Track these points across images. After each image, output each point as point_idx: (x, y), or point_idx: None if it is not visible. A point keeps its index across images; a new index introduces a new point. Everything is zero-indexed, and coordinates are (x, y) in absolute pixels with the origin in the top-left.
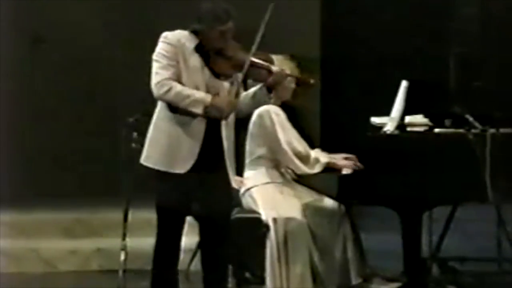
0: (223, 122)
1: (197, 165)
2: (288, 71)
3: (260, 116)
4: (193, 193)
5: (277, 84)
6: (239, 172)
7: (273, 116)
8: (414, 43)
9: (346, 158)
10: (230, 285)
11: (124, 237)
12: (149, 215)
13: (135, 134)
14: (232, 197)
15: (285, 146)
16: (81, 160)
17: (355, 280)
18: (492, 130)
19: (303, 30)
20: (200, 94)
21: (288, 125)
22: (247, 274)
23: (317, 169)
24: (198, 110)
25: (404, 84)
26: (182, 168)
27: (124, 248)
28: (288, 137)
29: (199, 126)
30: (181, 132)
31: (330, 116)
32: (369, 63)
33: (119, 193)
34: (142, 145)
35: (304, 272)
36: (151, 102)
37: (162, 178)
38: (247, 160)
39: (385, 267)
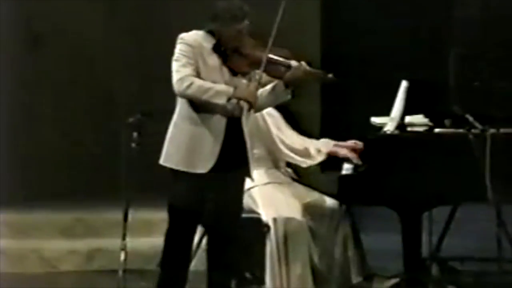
0: (244, 119)
1: (218, 164)
2: (307, 67)
3: (255, 118)
4: (211, 194)
5: (296, 80)
6: None
7: (266, 117)
8: (414, 43)
9: (354, 145)
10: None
11: (124, 237)
12: (149, 215)
13: (135, 134)
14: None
15: (280, 145)
16: (81, 160)
17: (355, 279)
18: (492, 130)
19: (303, 30)
20: (221, 86)
21: (283, 124)
22: (247, 274)
23: (319, 159)
24: (222, 100)
25: (404, 84)
26: (203, 167)
27: (124, 248)
28: (283, 136)
29: (220, 125)
30: (202, 131)
31: (330, 116)
32: (369, 63)
33: (119, 193)
34: (138, 145)
35: (304, 272)
36: (151, 102)
37: (182, 179)
38: None
39: (385, 267)
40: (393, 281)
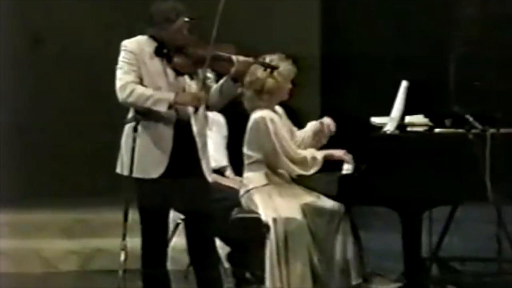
0: (193, 119)
1: (171, 167)
2: (250, 59)
3: (255, 123)
4: (171, 195)
5: (242, 73)
6: (239, 172)
7: (268, 123)
8: (414, 43)
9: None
10: (230, 285)
11: (124, 237)
12: None
13: (135, 134)
14: (212, 195)
15: (279, 152)
16: (81, 160)
17: (355, 280)
18: (492, 130)
19: (303, 30)
20: (162, 93)
21: (283, 131)
22: (247, 274)
23: (314, 168)
24: (163, 108)
25: (404, 84)
26: (155, 173)
27: (124, 248)
28: (282, 143)
29: (167, 130)
30: (150, 138)
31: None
32: (369, 63)
33: (119, 193)
34: None
35: (304, 272)
36: None
37: (139, 184)
38: (245, 162)
39: (385, 267)
40: (394, 286)
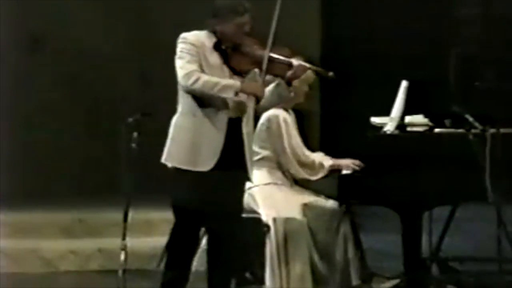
0: (244, 119)
1: (220, 163)
2: (307, 65)
3: (268, 120)
4: (212, 193)
5: (297, 78)
6: None
7: (281, 122)
8: (414, 43)
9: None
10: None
11: (124, 237)
12: (149, 215)
13: (135, 134)
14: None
15: (289, 152)
16: (81, 160)
17: (355, 281)
18: (492, 130)
19: (303, 30)
20: (229, 80)
21: (294, 131)
22: (247, 274)
23: (320, 175)
24: (230, 94)
25: (404, 84)
26: (205, 166)
27: (124, 248)
28: (293, 144)
29: (222, 123)
30: (205, 129)
31: (330, 116)
32: (369, 63)
33: (119, 193)
34: (138, 145)
35: (304, 272)
36: (150, 103)
37: (183, 177)
38: None
39: (385, 267)
40: (393, 282)
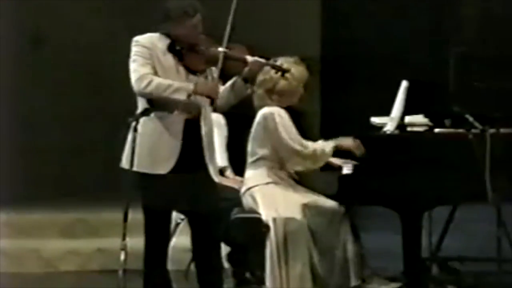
0: (202, 119)
1: (178, 165)
2: (263, 61)
3: (264, 118)
4: (177, 193)
5: (254, 74)
6: (241, 172)
7: (277, 118)
8: (414, 43)
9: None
10: (230, 285)
11: (124, 237)
12: None
13: (135, 134)
14: (219, 195)
15: (288, 144)
16: (81, 160)
17: (354, 281)
18: (492, 130)
19: (303, 30)
20: (181, 83)
21: (291, 126)
22: (247, 274)
23: (323, 162)
24: (182, 96)
25: (404, 84)
26: (164, 168)
27: (124, 248)
28: (291, 136)
29: (178, 125)
30: (161, 132)
31: (330, 116)
32: (369, 63)
33: (119, 193)
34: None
35: (304, 272)
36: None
37: (145, 180)
38: (249, 160)
39: (385, 267)
40: (394, 285)
